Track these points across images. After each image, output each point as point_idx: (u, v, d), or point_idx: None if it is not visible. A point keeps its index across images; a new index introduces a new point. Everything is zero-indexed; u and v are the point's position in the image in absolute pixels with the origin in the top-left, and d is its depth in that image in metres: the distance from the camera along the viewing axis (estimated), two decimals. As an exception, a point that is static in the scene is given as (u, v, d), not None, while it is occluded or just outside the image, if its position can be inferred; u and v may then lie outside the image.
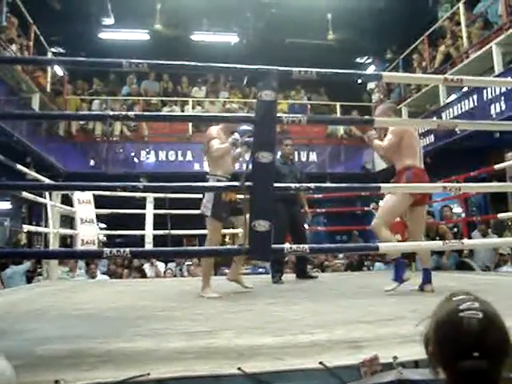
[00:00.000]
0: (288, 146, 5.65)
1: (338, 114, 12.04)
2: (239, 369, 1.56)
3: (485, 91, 7.52)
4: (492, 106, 7.33)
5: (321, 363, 1.61)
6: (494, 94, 7.32)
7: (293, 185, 2.42)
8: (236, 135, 4.08)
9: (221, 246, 5.31)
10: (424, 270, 3.96)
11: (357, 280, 5.73)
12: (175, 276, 8.37)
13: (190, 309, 3.18)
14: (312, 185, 2.36)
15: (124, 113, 2.51)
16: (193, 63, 2.36)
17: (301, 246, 2.22)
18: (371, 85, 12.61)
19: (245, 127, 4.05)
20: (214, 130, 4.26)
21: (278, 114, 2.42)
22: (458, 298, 1.01)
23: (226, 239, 10.65)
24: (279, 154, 5.47)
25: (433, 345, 0.99)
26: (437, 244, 3.01)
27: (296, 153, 11.17)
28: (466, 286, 4.37)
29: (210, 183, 4.03)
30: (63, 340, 2.10)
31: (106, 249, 2.04)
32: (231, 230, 5.90)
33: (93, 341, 2.06)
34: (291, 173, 5.38)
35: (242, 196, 4.02)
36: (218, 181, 4.04)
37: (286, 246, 2.29)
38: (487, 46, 7.77)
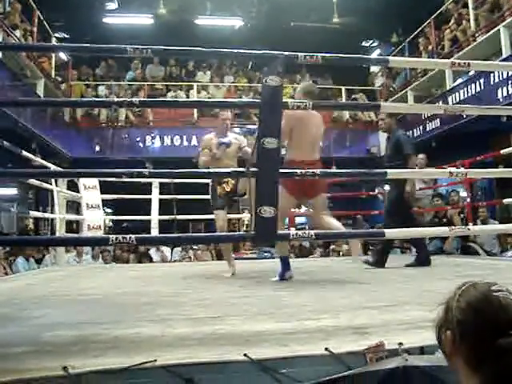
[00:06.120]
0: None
1: (344, 98, 11.98)
2: (245, 355, 1.56)
3: (492, 75, 7.45)
4: (499, 90, 7.26)
5: (326, 349, 1.61)
6: (501, 78, 7.25)
7: (299, 170, 2.40)
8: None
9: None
10: (281, 259, 3.69)
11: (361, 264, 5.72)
12: (181, 261, 8.42)
13: (195, 294, 3.19)
14: (318, 170, 2.36)
15: (129, 99, 2.49)
16: (198, 49, 2.33)
17: (306, 231, 2.23)
18: (374, 68, 12.50)
19: (222, 140, 4.48)
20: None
21: (284, 100, 2.40)
22: (480, 282, 0.99)
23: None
24: None
25: (458, 327, 0.96)
26: (443, 230, 3.00)
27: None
28: (472, 270, 4.36)
29: (212, 169, 4.09)
30: (70, 326, 2.11)
31: (111, 236, 2.04)
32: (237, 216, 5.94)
33: (100, 327, 2.07)
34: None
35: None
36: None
37: (292, 231, 2.28)
38: (495, 29, 7.67)
